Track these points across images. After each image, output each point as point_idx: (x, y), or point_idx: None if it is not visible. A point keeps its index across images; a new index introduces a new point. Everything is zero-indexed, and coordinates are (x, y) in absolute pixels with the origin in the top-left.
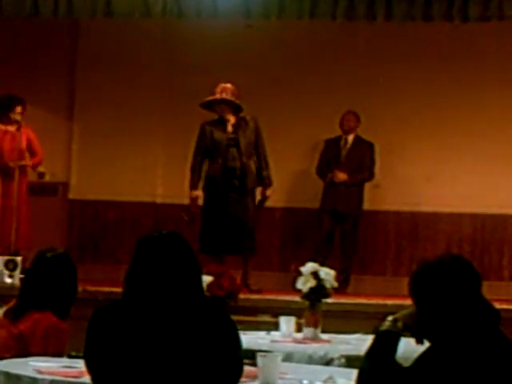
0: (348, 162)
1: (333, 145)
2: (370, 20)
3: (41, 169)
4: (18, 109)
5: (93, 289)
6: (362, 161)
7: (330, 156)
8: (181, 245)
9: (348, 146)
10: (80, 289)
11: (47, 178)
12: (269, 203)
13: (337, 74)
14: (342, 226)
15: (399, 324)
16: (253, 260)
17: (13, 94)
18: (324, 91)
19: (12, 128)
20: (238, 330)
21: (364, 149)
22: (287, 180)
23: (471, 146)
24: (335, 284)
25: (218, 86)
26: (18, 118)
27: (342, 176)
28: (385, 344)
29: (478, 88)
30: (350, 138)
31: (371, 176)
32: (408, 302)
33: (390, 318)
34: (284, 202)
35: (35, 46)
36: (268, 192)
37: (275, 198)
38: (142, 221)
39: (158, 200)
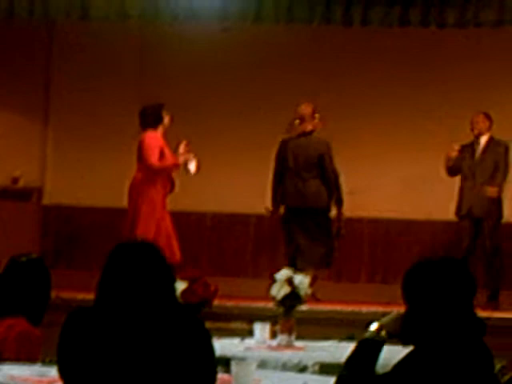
0: (481, 165)
1: (469, 149)
2: (347, 25)
3: (16, 173)
4: (165, 112)
5: (66, 295)
6: (496, 164)
7: (464, 159)
8: (153, 253)
9: (481, 148)
10: (53, 295)
11: (21, 183)
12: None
13: (314, 79)
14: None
15: (383, 333)
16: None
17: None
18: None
19: (160, 133)
20: (212, 336)
21: (499, 151)
22: None
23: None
24: (309, 291)
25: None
26: (166, 121)
27: (492, 191)
28: (366, 352)
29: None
30: (483, 140)
31: (503, 179)
32: (381, 308)
33: (373, 325)
34: None
35: (10, 47)
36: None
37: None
38: (118, 227)
39: None
